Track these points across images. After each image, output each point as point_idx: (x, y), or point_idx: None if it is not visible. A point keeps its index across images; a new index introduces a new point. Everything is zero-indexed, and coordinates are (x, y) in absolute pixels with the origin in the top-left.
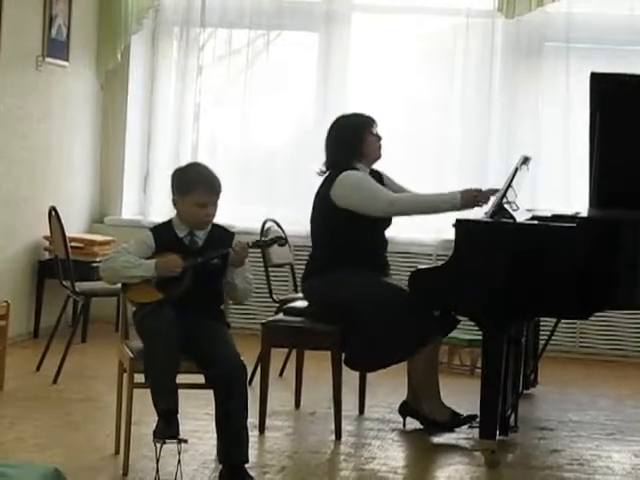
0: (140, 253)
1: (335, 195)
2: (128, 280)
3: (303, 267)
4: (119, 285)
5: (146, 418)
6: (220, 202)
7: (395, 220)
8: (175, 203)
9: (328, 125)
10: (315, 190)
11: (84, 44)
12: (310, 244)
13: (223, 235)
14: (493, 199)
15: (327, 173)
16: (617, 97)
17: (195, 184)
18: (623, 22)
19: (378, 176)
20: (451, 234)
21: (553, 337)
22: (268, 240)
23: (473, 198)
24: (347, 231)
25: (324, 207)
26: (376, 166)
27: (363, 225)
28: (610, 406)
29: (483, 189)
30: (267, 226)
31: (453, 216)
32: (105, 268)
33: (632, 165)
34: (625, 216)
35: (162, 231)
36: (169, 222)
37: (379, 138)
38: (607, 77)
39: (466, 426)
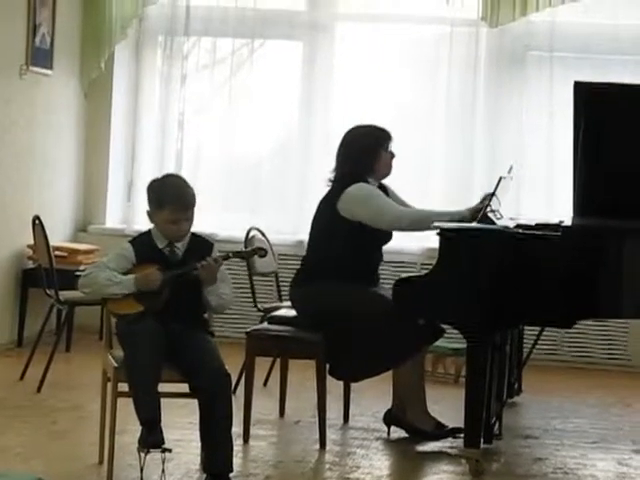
0: (119, 267)
1: (343, 206)
2: (108, 296)
3: (288, 276)
4: None
5: (130, 427)
6: (204, 211)
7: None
8: (150, 216)
9: (312, 134)
10: (300, 197)
11: (68, 53)
12: (295, 253)
13: (203, 245)
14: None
15: (333, 183)
16: (600, 106)
17: (166, 201)
18: (607, 31)
19: (384, 190)
20: (435, 243)
21: (537, 345)
22: (245, 252)
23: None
24: (346, 243)
25: (327, 216)
26: None
27: (363, 239)
28: (594, 414)
29: (483, 196)
30: (251, 235)
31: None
32: (85, 284)
33: (616, 174)
34: (609, 225)
35: (142, 243)
36: (148, 233)
37: (392, 155)
38: (590, 86)
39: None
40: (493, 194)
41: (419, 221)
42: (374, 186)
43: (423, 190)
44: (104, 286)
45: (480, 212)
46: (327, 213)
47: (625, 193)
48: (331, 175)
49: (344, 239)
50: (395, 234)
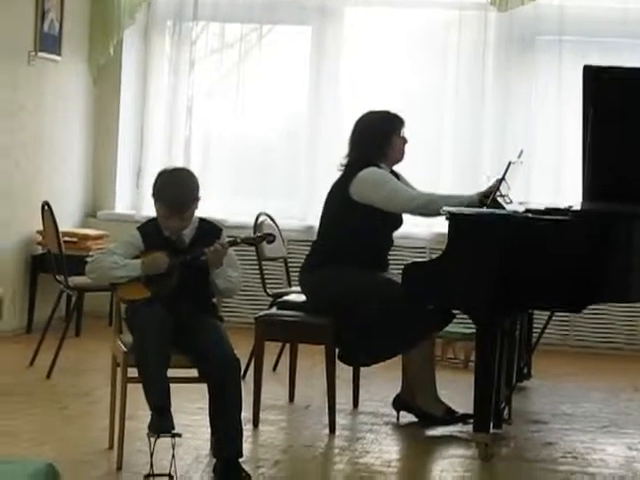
0: (126, 253)
1: (355, 190)
2: (115, 280)
3: (297, 261)
4: None
5: (140, 412)
6: (213, 197)
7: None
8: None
9: (321, 119)
10: (309, 183)
11: (76, 39)
12: (304, 238)
13: (211, 231)
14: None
15: (346, 168)
16: (610, 90)
17: (161, 197)
18: (615, 15)
19: (395, 176)
20: (444, 227)
21: (547, 330)
22: (253, 237)
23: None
24: (357, 227)
25: (339, 201)
26: None
27: (374, 224)
28: (603, 399)
29: (493, 181)
30: (260, 220)
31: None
32: (91, 269)
33: (625, 159)
34: (618, 209)
35: (149, 229)
36: (156, 220)
37: (405, 141)
38: (600, 70)
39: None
40: (502, 179)
41: (430, 203)
42: (386, 171)
43: (433, 176)
44: (110, 269)
45: (490, 196)
46: (339, 197)
47: (634, 177)
48: (344, 160)
49: (355, 224)
50: (405, 219)
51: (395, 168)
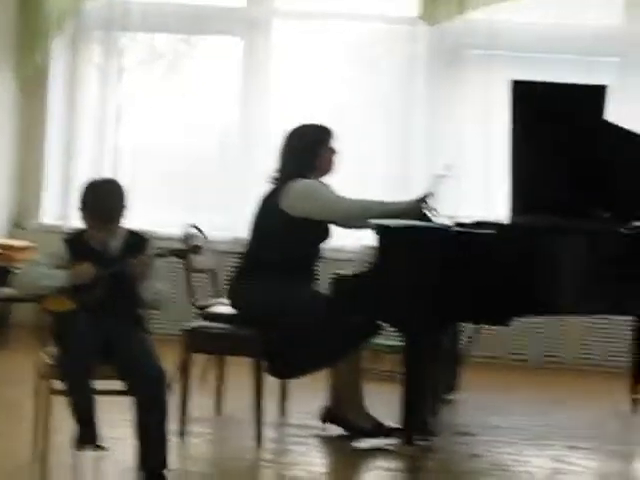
0: (52, 264)
1: (288, 203)
2: (42, 291)
3: (225, 273)
4: None
5: (66, 425)
6: (142, 208)
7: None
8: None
9: (251, 130)
10: (239, 194)
11: (3, 48)
12: (233, 250)
13: (138, 242)
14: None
15: (275, 181)
16: (536, 104)
17: (86, 207)
18: (545, 30)
19: None
20: (372, 240)
21: (475, 343)
22: (180, 250)
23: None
24: (286, 240)
25: (269, 213)
26: None
27: (303, 236)
28: (531, 412)
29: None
30: (188, 232)
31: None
32: (18, 280)
33: (551, 172)
34: (545, 222)
35: (75, 240)
36: (84, 231)
37: (334, 152)
38: (527, 85)
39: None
40: (430, 193)
41: (367, 210)
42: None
43: (362, 189)
44: (36, 279)
45: (426, 200)
46: (269, 210)
47: (559, 190)
48: (274, 173)
49: (283, 236)
50: (334, 231)
51: (324, 181)
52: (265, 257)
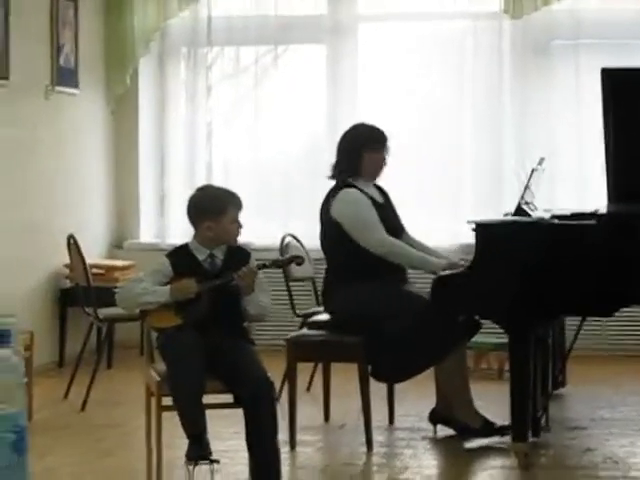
0: (155, 281)
1: (335, 214)
2: (144, 307)
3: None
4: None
5: (177, 441)
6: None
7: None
8: (197, 227)
9: (339, 136)
10: None
11: (92, 70)
12: None
13: (241, 255)
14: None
15: (331, 178)
16: (628, 91)
17: (228, 202)
18: (629, 16)
19: (383, 194)
20: (469, 238)
21: (580, 336)
22: (282, 260)
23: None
24: (351, 246)
25: (330, 222)
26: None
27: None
28: None
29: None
30: (286, 241)
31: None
32: (121, 298)
33: None
34: None
35: (179, 256)
36: (186, 246)
37: (381, 155)
38: (617, 72)
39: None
40: (527, 187)
41: (392, 255)
42: (366, 187)
43: (453, 186)
44: (139, 295)
45: (456, 268)
46: (328, 220)
47: None
48: (331, 171)
49: (348, 243)
50: (417, 227)
51: (411, 176)
52: (343, 262)
